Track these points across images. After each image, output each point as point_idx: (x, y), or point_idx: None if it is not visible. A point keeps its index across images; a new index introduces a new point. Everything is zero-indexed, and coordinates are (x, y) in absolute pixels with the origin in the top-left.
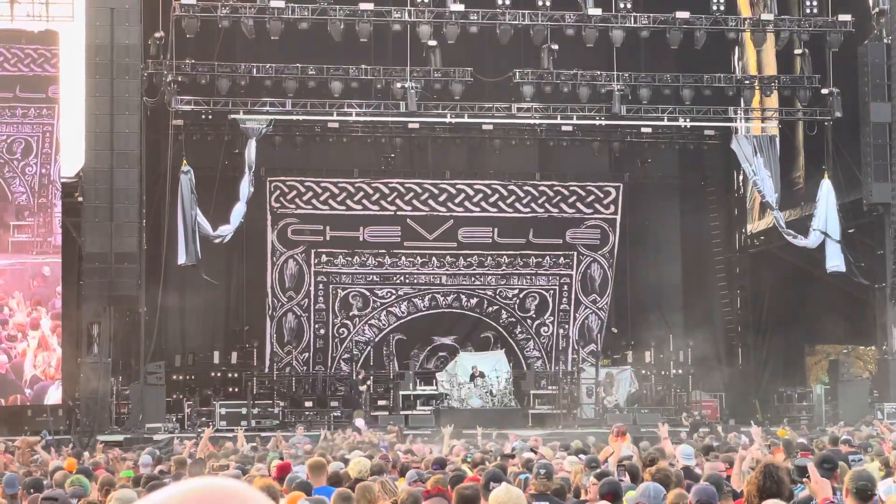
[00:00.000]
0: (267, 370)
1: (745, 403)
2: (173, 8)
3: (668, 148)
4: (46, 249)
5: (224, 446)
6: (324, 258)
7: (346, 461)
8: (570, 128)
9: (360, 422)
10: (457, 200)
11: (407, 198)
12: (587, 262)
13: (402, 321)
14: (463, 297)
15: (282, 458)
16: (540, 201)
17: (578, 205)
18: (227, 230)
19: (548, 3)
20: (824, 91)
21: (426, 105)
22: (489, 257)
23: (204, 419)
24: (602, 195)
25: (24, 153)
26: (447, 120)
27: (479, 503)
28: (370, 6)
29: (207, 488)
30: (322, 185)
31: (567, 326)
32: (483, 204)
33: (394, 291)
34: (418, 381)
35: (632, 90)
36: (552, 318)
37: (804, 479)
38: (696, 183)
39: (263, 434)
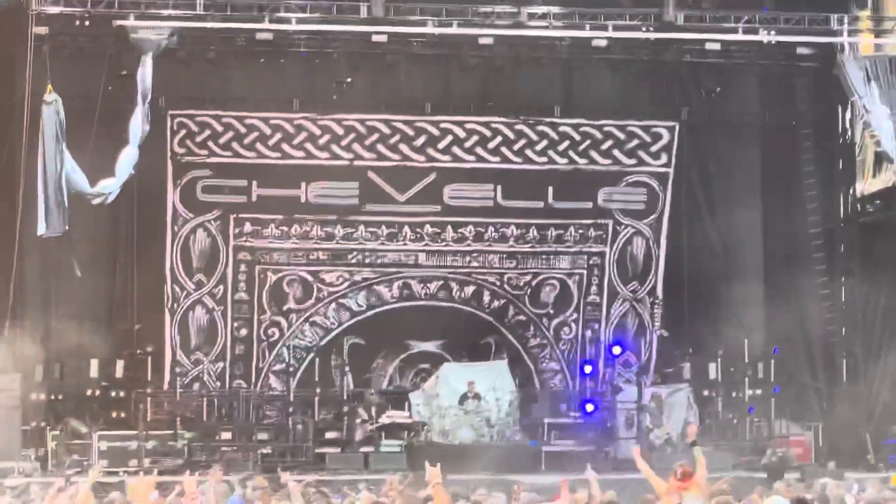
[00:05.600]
0: (167, 387)
1: (851, 438)
2: None
3: (744, 73)
4: None
5: (109, 499)
6: (248, 227)
7: None
8: (603, 42)
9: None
10: (441, 146)
11: (369, 141)
12: (627, 234)
13: (359, 318)
14: (453, 284)
15: None
16: (561, 148)
17: (616, 153)
18: (110, 186)
19: None
20: None
21: (398, 8)
22: (490, 228)
23: (76, 457)
24: (649, 139)
25: None
26: (428, 30)
27: None
28: None
29: None
30: (247, 121)
31: (598, 327)
32: (480, 151)
33: (348, 276)
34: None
35: None
36: (576, 316)
37: None
38: (785, 123)
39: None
